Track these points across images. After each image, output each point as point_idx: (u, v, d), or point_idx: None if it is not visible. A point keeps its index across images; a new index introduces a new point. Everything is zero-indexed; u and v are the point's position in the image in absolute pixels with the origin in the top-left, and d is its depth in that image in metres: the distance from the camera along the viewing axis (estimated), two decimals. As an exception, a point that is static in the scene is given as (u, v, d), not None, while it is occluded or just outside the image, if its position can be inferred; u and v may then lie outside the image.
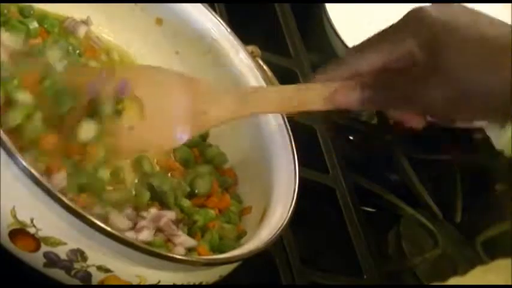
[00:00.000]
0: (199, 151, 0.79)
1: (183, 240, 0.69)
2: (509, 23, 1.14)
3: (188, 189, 0.74)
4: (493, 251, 0.99)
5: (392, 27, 0.66)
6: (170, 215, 0.70)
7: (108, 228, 0.60)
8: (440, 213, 1.00)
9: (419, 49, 0.63)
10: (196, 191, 0.74)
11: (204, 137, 0.80)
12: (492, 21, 0.64)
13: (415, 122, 0.67)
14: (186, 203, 0.73)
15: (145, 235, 0.67)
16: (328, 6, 1.01)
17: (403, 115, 0.67)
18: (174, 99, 0.67)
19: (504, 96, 0.60)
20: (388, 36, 0.65)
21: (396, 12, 1.10)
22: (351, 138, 1.02)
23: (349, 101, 0.65)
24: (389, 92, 0.65)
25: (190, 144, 0.78)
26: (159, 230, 0.69)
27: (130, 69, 0.75)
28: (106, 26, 0.82)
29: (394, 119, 0.68)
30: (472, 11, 0.64)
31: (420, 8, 0.64)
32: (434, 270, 0.94)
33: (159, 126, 0.67)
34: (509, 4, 1.14)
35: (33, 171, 0.59)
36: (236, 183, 0.78)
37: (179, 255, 0.66)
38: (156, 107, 0.67)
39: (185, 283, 0.65)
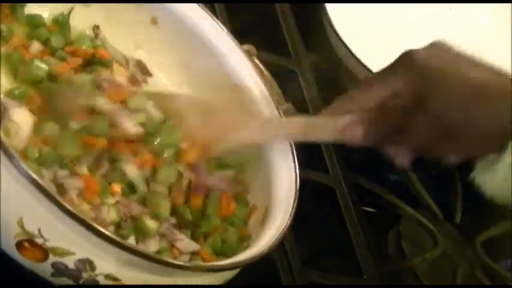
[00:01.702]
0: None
1: (186, 244, 0.69)
2: (509, 23, 1.14)
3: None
4: (493, 251, 0.99)
5: (387, 67, 0.71)
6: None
7: (117, 238, 0.60)
8: (440, 213, 1.00)
9: (406, 91, 0.67)
10: None
11: None
12: (475, 62, 0.69)
13: (402, 158, 0.70)
14: (187, 213, 0.72)
15: (153, 246, 0.67)
16: (328, 6, 1.01)
17: (392, 150, 0.70)
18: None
19: (491, 132, 0.66)
20: (383, 75, 0.70)
21: (396, 12, 1.11)
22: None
23: (356, 135, 0.70)
24: (387, 127, 0.69)
25: None
26: (161, 235, 0.69)
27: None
28: (104, 29, 0.82)
29: (385, 153, 0.71)
30: (457, 53, 0.70)
31: (411, 51, 0.69)
32: (434, 270, 0.95)
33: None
34: (509, 4, 1.14)
35: (39, 181, 0.58)
36: (247, 191, 0.77)
37: (183, 261, 0.67)
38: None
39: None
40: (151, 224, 0.67)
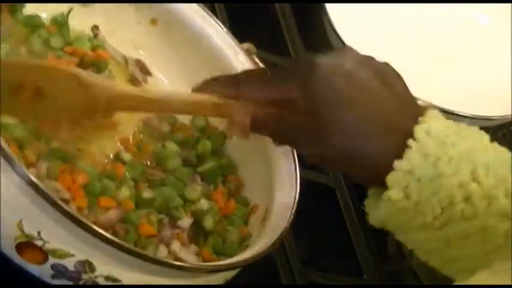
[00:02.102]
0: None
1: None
2: (509, 23, 1.14)
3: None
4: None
5: (284, 69, 0.66)
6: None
7: (116, 239, 0.60)
8: (441, 213, 1.00)
9: (301, 98, 0.62)
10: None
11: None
12: (384, 78, 0.62)
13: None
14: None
15: (162, 252, 0.68)
16: (328, 6, 1.01)
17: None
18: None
19: (381, 165, 0.60)
20: (278, 75, 0.65)
21: (396, 12, 1.11)
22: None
23: (243, 124, 0.65)
24: (276, 127, 0.64)
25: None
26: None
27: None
28: (104, 30, 0.82)
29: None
30: (361, 62, 0.62)
31: (315, 59, 0.62)
32: (434, 270, 0.94)
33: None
34: (509, 4, 1.14)
35: (38, 183, 0.58)
36: (242, 187, 0.78)
37: (185, 262, 0.67)
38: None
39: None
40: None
